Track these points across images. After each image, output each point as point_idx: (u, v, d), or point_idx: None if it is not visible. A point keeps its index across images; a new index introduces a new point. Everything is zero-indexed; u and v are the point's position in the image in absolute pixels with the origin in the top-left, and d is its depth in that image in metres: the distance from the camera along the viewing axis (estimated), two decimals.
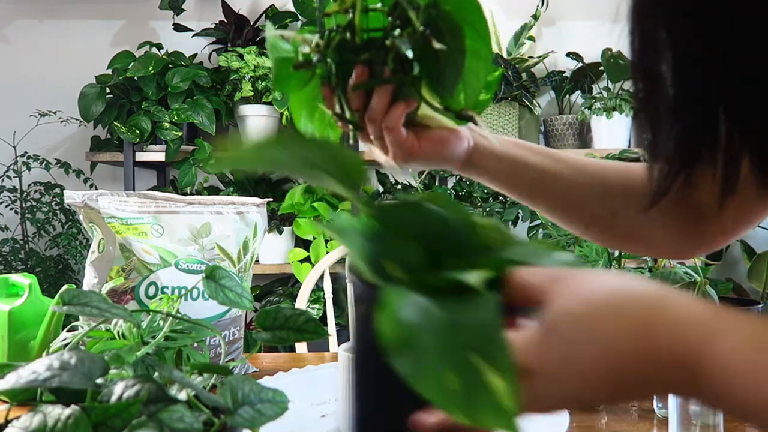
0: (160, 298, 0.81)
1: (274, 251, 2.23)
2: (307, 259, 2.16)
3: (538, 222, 2.03)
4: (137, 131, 2.15)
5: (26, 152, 2.30)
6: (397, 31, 0.56)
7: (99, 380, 0.48)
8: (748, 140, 0.40)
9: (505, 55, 2.35)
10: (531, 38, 2.37)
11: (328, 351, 1.37)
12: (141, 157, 2.23)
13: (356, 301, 0.43)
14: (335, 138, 0.69)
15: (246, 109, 2.22)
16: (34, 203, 2.29)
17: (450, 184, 2.26)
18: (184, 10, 2.34)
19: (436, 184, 2.23)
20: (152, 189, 2.38)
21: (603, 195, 0.68)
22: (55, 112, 2.27)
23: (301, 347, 1.53)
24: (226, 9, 2.33)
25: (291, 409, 0.50)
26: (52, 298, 0.76)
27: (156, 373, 0.60)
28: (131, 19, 2.53)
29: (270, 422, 0.49)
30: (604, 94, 2.26)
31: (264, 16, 2.35)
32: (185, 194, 1.98)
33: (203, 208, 0.97)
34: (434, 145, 0.63)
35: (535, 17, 2.33)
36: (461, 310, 0.36)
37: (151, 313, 0.71)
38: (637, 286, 0.36)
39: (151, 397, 0.47)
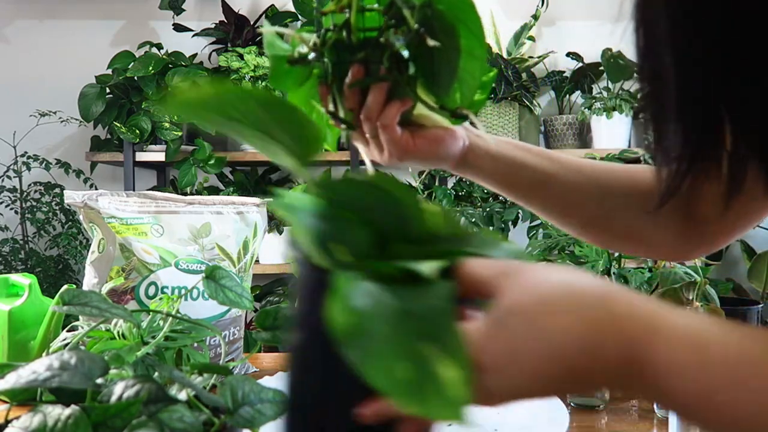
0: (160, 298, 0.81)
1: (274, 251, 2.23)
2: None
3: (539, 222, 2.03)
4: (137, 131, 2.15)
5: (26, 152, 2.30)
6: (392, 30, 0.56)
7: (99, 380, 0.48)
8: (749, 140, 0.40)
9: (505, 55, 2.35)
10: (531, 38, 2.37)
11: None
12: (141, 157, 2.23)
13: (301, 283, 0.41)
14: (333, 138, 0.69)
15: None
16: (34, 203, 2.29)
17: (450, 184, 2.26)
18: (184, 10, 2.34)
19: (436, 184, 2.23)
20: (152, 189, 2.38)
21: (602, 196, 0.68)
22: (55, 112, 2.27)
23: None
24: (226, 9, 2.33)
25: None
26: (52, 298, 0.76)
27: (156, 373, 0.60)
28: (131, 19, 2.53)
29: (270, 422, 0.49)
30: (604, 94, 2.26)
31: (264, 16, 2.35)
32: (185, 194, 1.98)
33: (203, 208, 0.97)
34: (429, 144, 0.64)
35: (535, 17, 2.33)
36: (414, 299, 0.36)
37: (151, 313, 0.71)
38: (585, 281, 0.36)
39: (151, 397, 0.47)
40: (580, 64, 2.38)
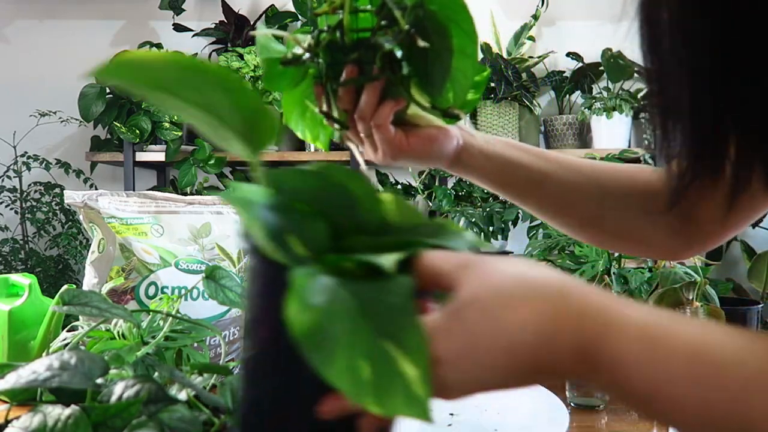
0: (160, 298, 0.81)
1: None
2: None
3: (538, 222, 2.03)
4: (137, 131, 2.15)
5: (26, 152, 2.30)
6: (383, 31, 0.57)
7: (99, 380, 0.48)
8: (749, 140, 0.40)
9: (505, 55, 2.35)
10: (531, 38, 2.37)
11: None
12: (141, 157, 2.23)
13: (256, 280, 0.39)
14: (326, 137, 0.69)
15: None
16: (34, 203, 2.29)
17: (450, 184, 2.26)
18: (184, 10, 2.34)
19: (436, 184, 2.23)
20: (152, 189, 2.38)
21: (602, 196, 0.68)
22: (55, 112, 2.27)
23: None
24: (226, 9, 2.33)
25: None
26: (52, 298, 0.76)
27: (156, 373, 0.60)
28: (131, 19, 2.53)
29: None
30: (604, 94, 2.26)
31: (264, 16, 2.35)
32: (185, 194, 1.98)
33: (203, 208, 0.97)
34: (423, 143, 0.64)
35: (535, 17, 2.33)
36: (373, 295, 0.35)
37: (151, 313, 0.71)
38: (541, 274, 0.37)
39: (151, 397, 0.47)
40: (580, 64, 2.38)
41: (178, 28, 2.34)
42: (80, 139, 2.47)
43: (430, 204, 2.18)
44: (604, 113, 2.22)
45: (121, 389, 0.47)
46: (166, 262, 0.91)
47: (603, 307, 0.35)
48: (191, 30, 2.35)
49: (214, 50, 2.41)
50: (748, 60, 0.38)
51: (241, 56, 2.18)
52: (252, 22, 2.33)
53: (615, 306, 0.35)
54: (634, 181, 0.68)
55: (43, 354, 0.79)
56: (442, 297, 0.37)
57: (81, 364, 0.48)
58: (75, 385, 0.46)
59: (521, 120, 2.32)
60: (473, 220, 2.03)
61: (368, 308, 0.35)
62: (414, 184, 2.21)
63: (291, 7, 2.36)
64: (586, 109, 2.24)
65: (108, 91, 2.21)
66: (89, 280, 0.92)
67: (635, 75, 2.29)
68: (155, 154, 2.22)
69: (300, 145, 2.31)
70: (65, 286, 0.70)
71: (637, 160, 2.12)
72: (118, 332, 0.70)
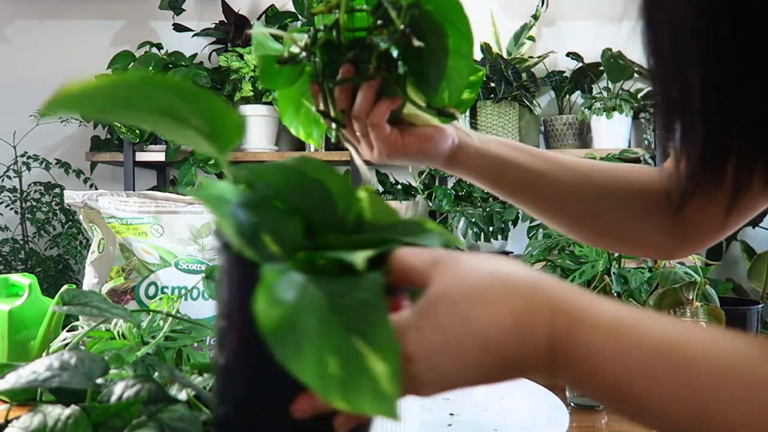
0: (160, 298, 0.81)
1: None
2: None
3: (539, 222, 2.03)
4: (137, 131, 2.15)
5: (26, 152, 2.30)
6: (378, 31, 0.57)
7: (99, 380, 0.48)
8: (750, 139, 0.40)
9: (505, 55, 2.35)
10: (531, 38, 2.37)
11: None
12: (141, 157, 2.23)
13: (227, 277, 0.39)
14: (319, 135, 0.70)
15: (246, 109, 2.22)
16: (34, 203, 2.29)
17: (450, 184, 2.26)
18: (184, 10, 2.34)
19: (436, 184, 2.23)
20: (152, 189, 2.38)
21: (600, 195, 0.69)
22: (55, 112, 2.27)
23: None
24: (226, 9, 2.33)
25: None
26: (52, 298, 0.76)
27: (156, 373, 0.60)
28: (131, 19, 2.53)
29: None
30: (604, 94, 2.26)
31: (264, 16, 2.35)
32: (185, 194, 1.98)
33: (203, 208, 0.97)
34: (418, 142, 0.64)
35: (535, 17, 2.33)
36: (343, 291, 0.35)
37: (151, 313, 0.71)
38: (513, 271, 0.37)
39: (151, 397, 0.47)
40: (580, 64, 2.38)
41: (178, 28, 2.34)
42: (80, 139, 2.47)
43: (430, 204, 2.18)
44: (604, 113, 2.22)
45: (121, 389, 0.47)
46: (166, 262, 0.91)
47: (574, 302, 0.35)
48: (191, 30, 2.35)
49: (214, 50, 2.41)
50: (755, 58, 0.38)
51: (241, 56, 2.18)
52: (252, 22, 2.33)
53: (586, 301, 0.36)
54: (631, 180, 0.69)
55: (43, 354, 0.79)
56: (416, 294, 0.37)
57: (81, 364, 0.48)
58: (75, 385, 0.46)
59: (521, 120, 2.32)
60: (473, 220, 2.03)
61: (338, 304, 0.34)
62: (414, 184, 2.21)
63: (291, 7, 2.36)
64: (586, 109, 2.24)
65: None
66: (89, 280, 0.92)
67: (635, 75, 2.29)
68: (155, 154, 2.22)
69: (299, 145, 2.31)
70: (65, 286, 0.70)
71: (637, 160, 2.12)
72: (118, 332, 0.70)
